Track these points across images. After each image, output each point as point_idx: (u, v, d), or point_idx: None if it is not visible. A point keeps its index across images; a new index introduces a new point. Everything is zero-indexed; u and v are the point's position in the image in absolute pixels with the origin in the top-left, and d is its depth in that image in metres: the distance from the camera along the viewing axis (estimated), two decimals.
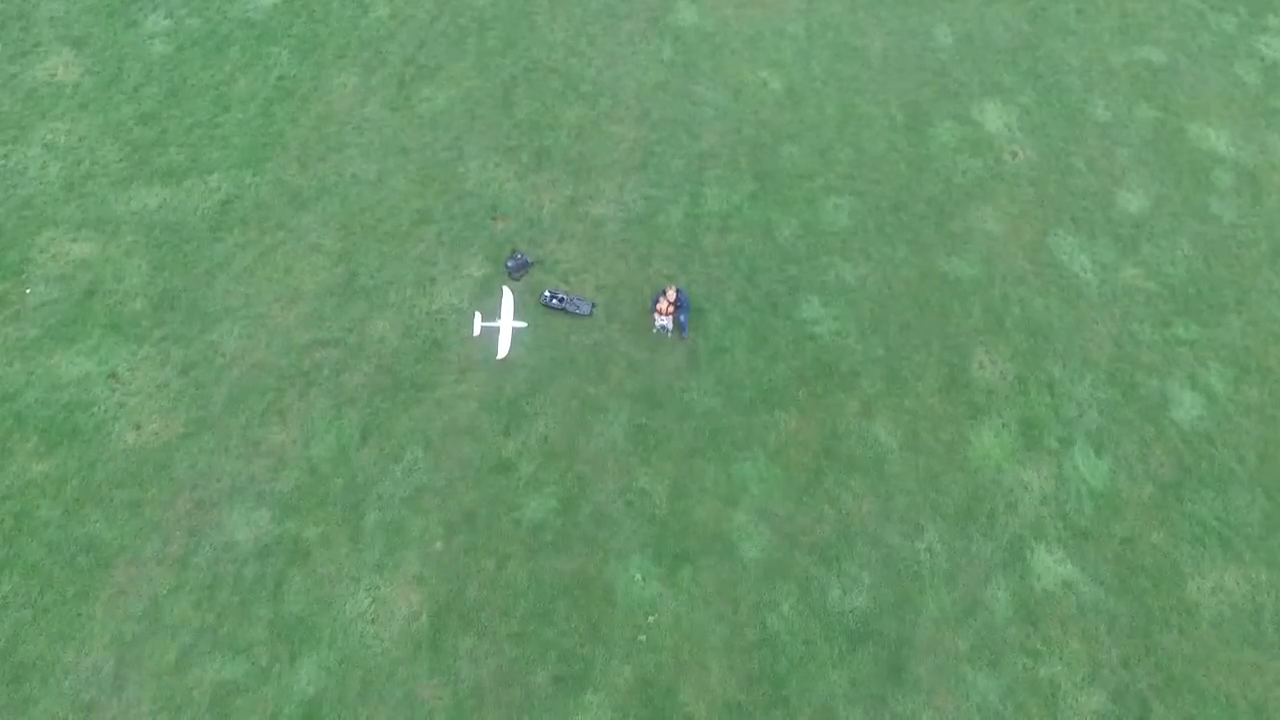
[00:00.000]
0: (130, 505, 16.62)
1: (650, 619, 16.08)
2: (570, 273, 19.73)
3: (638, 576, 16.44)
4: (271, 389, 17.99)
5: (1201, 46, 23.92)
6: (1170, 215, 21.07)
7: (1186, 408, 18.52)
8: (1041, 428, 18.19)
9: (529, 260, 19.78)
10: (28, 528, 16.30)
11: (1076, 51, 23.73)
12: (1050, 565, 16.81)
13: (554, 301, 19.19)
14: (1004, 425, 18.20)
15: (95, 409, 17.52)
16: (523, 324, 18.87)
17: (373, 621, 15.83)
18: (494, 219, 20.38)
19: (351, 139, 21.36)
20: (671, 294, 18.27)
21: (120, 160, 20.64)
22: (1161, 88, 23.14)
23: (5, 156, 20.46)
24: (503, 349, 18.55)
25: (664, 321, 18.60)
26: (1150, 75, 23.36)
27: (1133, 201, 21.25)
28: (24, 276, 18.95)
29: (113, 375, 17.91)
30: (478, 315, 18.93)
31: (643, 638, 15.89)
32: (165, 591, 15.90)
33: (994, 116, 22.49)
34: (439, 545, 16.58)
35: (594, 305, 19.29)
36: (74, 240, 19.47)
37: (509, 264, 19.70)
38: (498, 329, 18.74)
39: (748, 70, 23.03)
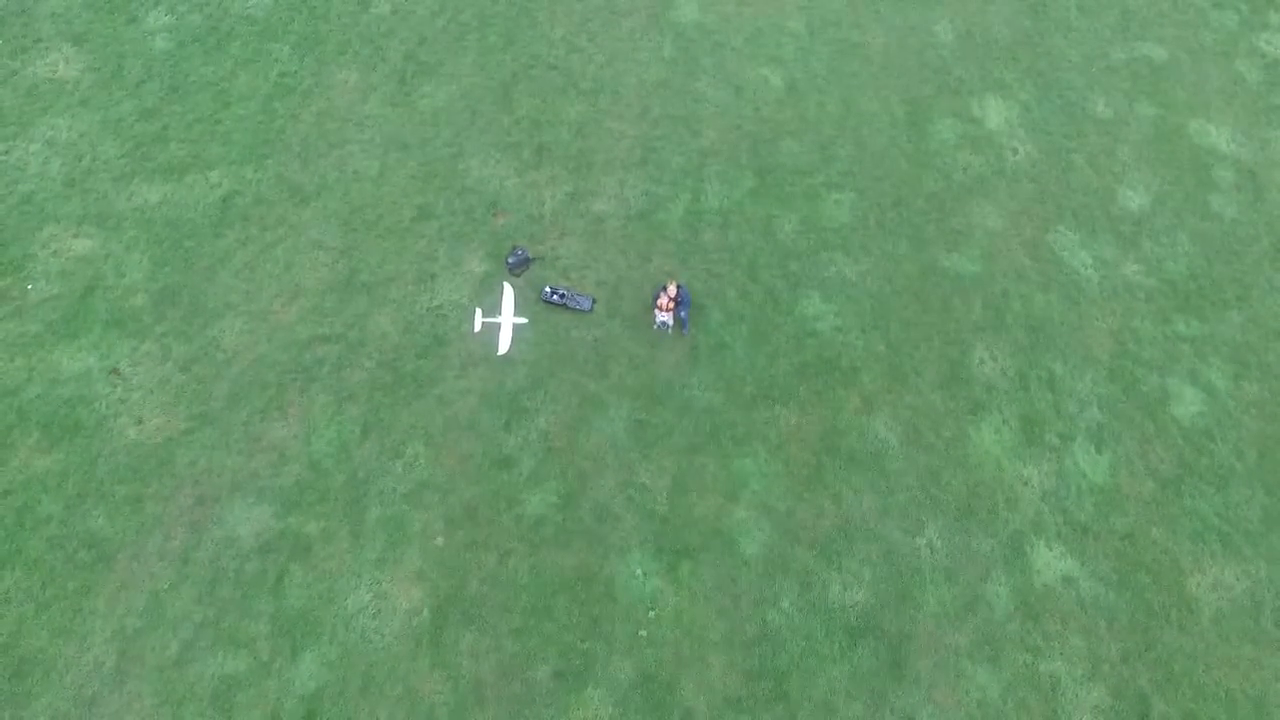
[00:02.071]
0: (131, 500, 16.64)
1: (651, 614, 16.10)
2: (571, 269, 19.74)
3: (638, 572, 16.46)
4: (273, 385, 18.01)
5: (1202, 43, 23.91)
6: (1171, 212, 21.07)
7: (1187, 404, 18.53)
8: (1042, 424, 18.20)
9: (530, 256, 19.78)
10: (29, 523, 16.33)
11: (1077, 48, 23.73)
12: (1050, 561, 16.83)
13: (555, 297, 19.19)
14: (1004, 421, 18.21)
15: (96, 404, 17.54)
16: (523, 320, 18.88)
17: (374, 617, 15.85)
18: (494, 215, 20.39)
19: (352, 135, 21.36)
20: (672, 290, 18.27)
21: (121, 156, 20.64)
22: (1162, 85, 23.14)
23: (6, 153, 20.46)
24: (503, 345, 18.56)
25: (665, 317, 18.60)
26: (1151, 72, 23.36)
27: (1133, 198, 21.25)
28: (25, 272, 18.95)
29: (114, 371, 17.93)
30: (478, 311, 18.94)
31: (643, 633, 15.91)
32: (167, 586, 15.92)
33: (995, 113, 22.48)
34: (440, 541, 16.60)
35: (594, 301, 19.29)
36: (75, 236, 19.47)
37: (510, 260, 19.70)
38: (498, 325, 18.75)
39: (749, 67, 23.03)
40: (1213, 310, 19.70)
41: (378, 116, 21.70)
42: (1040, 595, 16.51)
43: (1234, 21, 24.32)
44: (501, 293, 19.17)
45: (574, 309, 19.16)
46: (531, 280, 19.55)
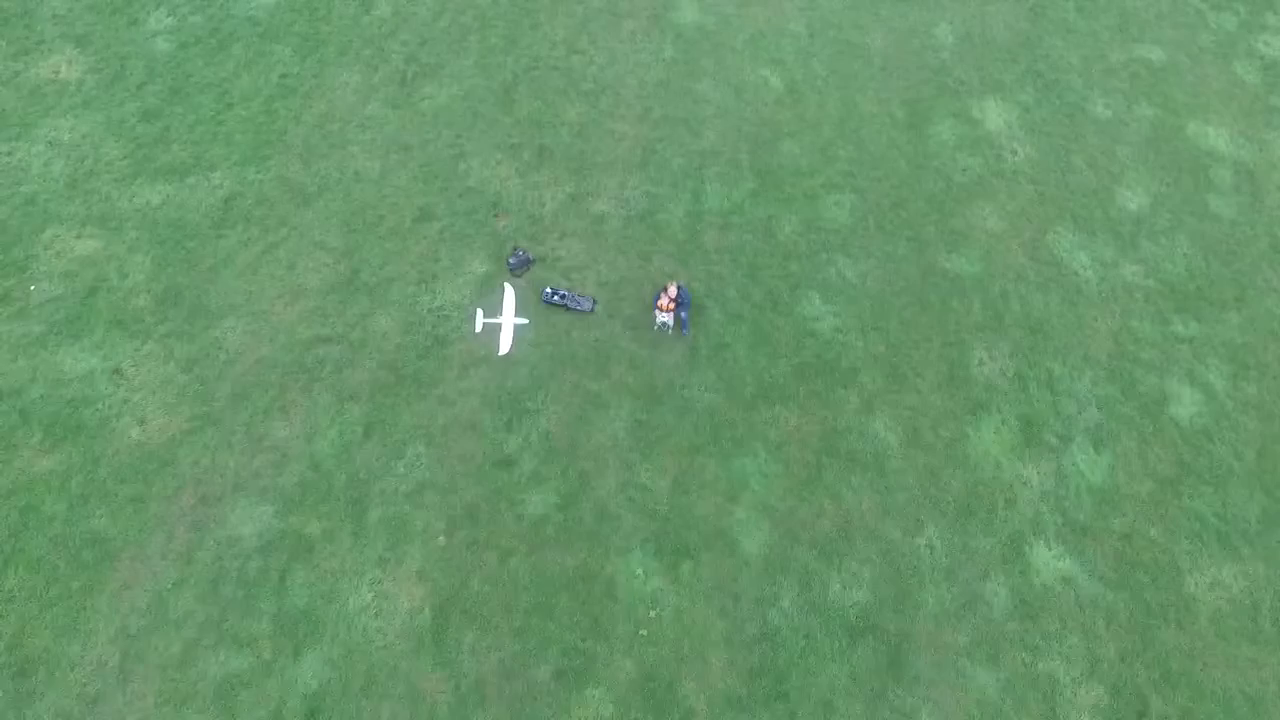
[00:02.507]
0: (134, 500, 16.71)
1: (652, 614, 16.17)
2: (572, 270, 19.82)
3: (639, 571, 16.54)
4: (275, 385, 18.08)
5: (1201, 45, 24.00)
6: (1169, 213, 21.15)
7: (1185, 404, 18.61)
8: (1041, 424, 18.27)
9: (530, 257, 19.86)
10: (33, 523, 16.39)
11: (1076, 50, 23.81)
12: (1049, 561, 16.91)
13: (555, 298, 19.27)
14: (1004, 422, 18.29)
15: (99, 405, 17.61)
16: (524, 320, 18.95)
17: (376, 616, 15.92)
18: (496, 216, 20.47)
19: (354, 136, 21.43)
20: (673, 290, 18.36)
21: (124, 157, 20.71)
22: (1161, 86, 23.22)
23: (9, 154, 20.54)
24: (504, 345, 18.63)
25: (665, 318, 18.69)
26: (1150, 73, 23.44)
27: (1132, 199, 21.33)
28: (28, 273, 19.02)
29: (117, 371, 18.00)
30: (480, 312, 19.02)
31: (644, 632, 15.99)
32: (170, 586, 16.00)
33: (994, 114, 22.56)
34: (441, 540, 16.68)
35: (595, 302, 19.37)
36: (78, 237, 19.54)
37: (511, 261, 19.78)
38: (499, 325, 18.83)
39: (749, 68, 23.10)
40: (1211, 311, 19.78)
41: (379, 118, 21.77)
42: (1039, 595, 16.58)
43: (1232, 23, 24.40)
44: (502, 293, 19.25)
45: (575, 310, 19.24)
46: (532, 281, 19.62)
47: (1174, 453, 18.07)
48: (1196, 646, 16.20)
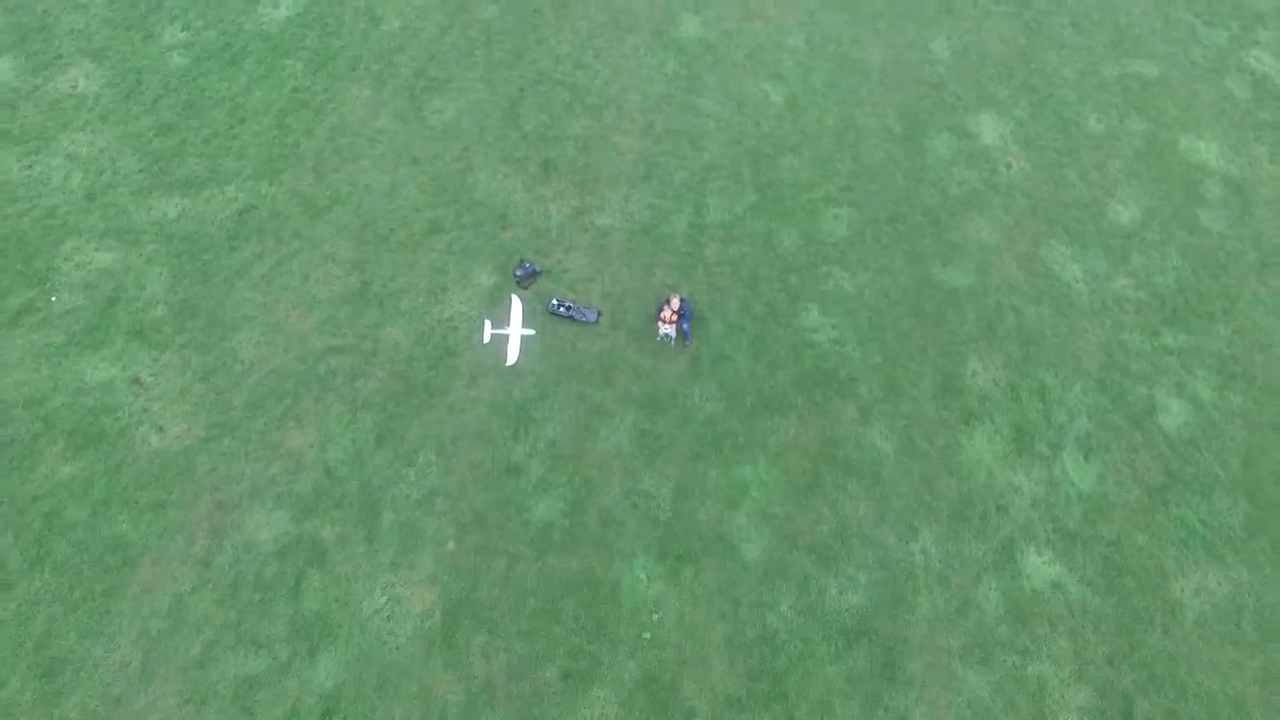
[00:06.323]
0: (154, 506, 17.27)
1: (654, 617, 16.72)
2: (577, 282, 20.34)
3: (642, 576, 17.08)
4: (289, 394, 18.62)
5: (1193, 60, 24.48)
6: (1160, 226, 21.66)
7: (1173, 414, 19.14)
8: (1032, 433, 18.80)
9: (537, 269, 20.39)
10: (57, 527, 16.96)
11: (1070, 65, 24.30)
12: (1039, 566, 17.44)
13: (561, 310, 19.79)
14: (996, 431, 18.82)
15: (120, 413, 18.16)
16: (531, 331, 19.48)
17: (388, 619, 16.47)
18: (502, 229, 20.99)
19: (364, 150, 21.95)
20: (675, 302, 18.88)
21: (140, 171, 21.24)
22: (1153, 101, 23.71)
23: (29, 167, 21.07)
24: (512, 356, 19.16)
25: (668, 329, 19.20)
26: (1142, 88, 23.93)
27: (1124, 213, 21.84)
28: (49, 285, 19.56)
29: (136, 380, 18.55)
30: (487, 323, 19.54)
31: (647, 635, 16.54)
32: (189, 590, 16.55)
33: (989, 129, 23.07)
34: (451, 546, 17.22)
35: (600, 313, 19.89)
36: (97, 249, 20.08)
37: (517, 273, 20.30)
38: (507, 336, 19.35)
39: (749, 82, 23.61)
40: (1199, 323, 20.30)
41: (389, 131, 22.29)
42: (1029, 599, 17.12)
43: (1224, 39, 24.88)
44: (510, 305, 19.78)
45: (580, 321, 19.77)
46: (539, 293, 20.15)
47: (1162, 461, 18.60)
48: (1181, 650, 16.75)
